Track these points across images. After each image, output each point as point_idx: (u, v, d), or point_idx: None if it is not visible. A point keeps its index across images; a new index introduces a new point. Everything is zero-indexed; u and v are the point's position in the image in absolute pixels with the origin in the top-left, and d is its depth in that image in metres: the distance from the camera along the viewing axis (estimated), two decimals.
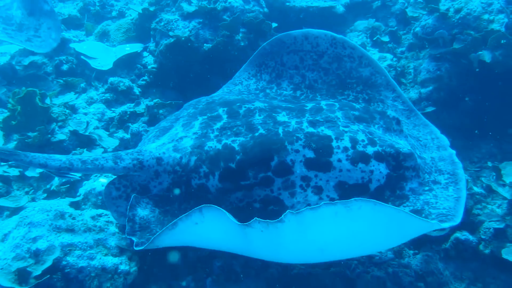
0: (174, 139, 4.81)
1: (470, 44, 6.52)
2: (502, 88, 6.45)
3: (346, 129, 4.45)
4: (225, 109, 4.97)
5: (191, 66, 7.83)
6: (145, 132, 6.71)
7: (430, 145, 4.77)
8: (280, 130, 4.48)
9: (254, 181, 4.29)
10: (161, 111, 7.42)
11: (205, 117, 4.93)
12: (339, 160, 4.24)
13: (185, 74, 7.96)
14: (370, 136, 4.41)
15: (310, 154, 4.29)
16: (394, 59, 8.35)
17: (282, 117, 4.70)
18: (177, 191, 4.58)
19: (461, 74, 6.78)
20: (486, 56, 6.32)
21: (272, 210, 4.21)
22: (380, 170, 4.23)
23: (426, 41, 7.39)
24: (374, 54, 8.67)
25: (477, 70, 6.48)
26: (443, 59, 7.01)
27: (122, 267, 4.67)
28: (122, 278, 4.65)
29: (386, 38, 9.04)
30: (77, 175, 5.30)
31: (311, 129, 4.46)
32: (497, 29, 6.42)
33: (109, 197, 4.70)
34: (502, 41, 6.22)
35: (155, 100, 7.47)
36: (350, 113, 4.65)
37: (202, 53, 7.70)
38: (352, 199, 3.17)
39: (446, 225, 3.70)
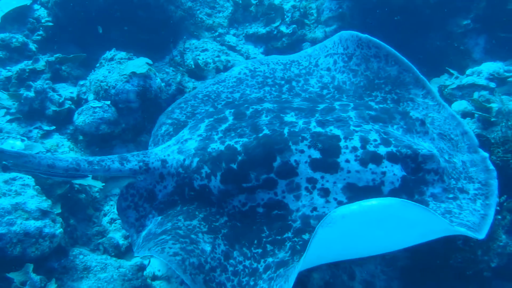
0: (180, 141, 4.73)
1: None
2: (400, 22, 6.82)
3: (357, 129, 4.19)
4: (232, 110, 4.80)
5: (91, 18, 7.35)
6: (50, 90, 6.32)
7: (461, 144, 4.36)
8: (286, 131, 4.28)
9: (256, 183, 4.10)
10: (64, 67, 6.98)
11: (212, 119, 4.78)
12: (347, 161, 3.98)
13: (85, 27, 7.46)
14: (385, 136, 4.11)
15: (316, 154, 4.06)
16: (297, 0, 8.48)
17: (290, 117, 4.48)
18: (180, 194, 4.46)
19: (362, 11, 7.04)
20: None
21: (276, 215, 4.00)
22: (394, 172, 3.93)
23: None
24: None
25: (376, 4, 6.74)
26: None
27: (47, 230, 4.48)
28: (47, 241, 4.47)
29: None
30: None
31: (319, 129, 4.23)
32: None
33: (120, 209, 4.67)
34: None
35: (56, 55, 6.97)
36: (365, 112, 4.39)
37: (102, 2, 7.25)
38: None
39: (471, 234, 3.40)
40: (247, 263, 3.77)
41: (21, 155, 4.40)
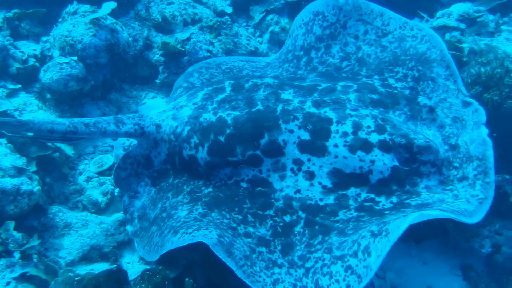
0: (176, 107, 4.61)
1: None
2: None
3: (353, 113, 4.03)
4: (232, 82, 4.65)
5: None
6: (11, 46, 5.99)
7: (470, 123, 4.10)
8: (279, 108, 4.15)
9: (241, 158, 4.04)
10: (23, 24, 6.62)
11: (210, 88, 4.65)
12: (336, 146, 3.87)
13: None
14: (381, 123, 3.96)
15: (305, 136, 3.96)
16: None
17: (287, 95, 4.33)
18: (172, 163, 4.42)
19: None
20: None
21: (260, 191, 3.96)
22: (384, 161, 3.80)
23: None
24: None
25: None
26: None
27: (24, 187, 4.35)
28: (26, 198, 4.35)
29: None
30: None
31: (313, 110, 4.09)
32: None
33: (119, 180, 4.70)
34: None
35: (14, 11, 6.57)
36: (366, 96, 4.20)
37: None
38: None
39: (454, 217, 3.28)
40: (225, 221, 3.75)
41: (22, 123, 4.30)
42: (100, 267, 4.44)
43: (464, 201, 3.54)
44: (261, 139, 4.03)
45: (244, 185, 4.04)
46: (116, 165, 4.80)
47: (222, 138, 4.13)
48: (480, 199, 3.52)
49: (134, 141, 4.98)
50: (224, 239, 3.44)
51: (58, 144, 5.32)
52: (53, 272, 4.21)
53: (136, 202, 4.55)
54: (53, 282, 4.05)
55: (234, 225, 3.72)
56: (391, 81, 4.48)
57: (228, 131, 4.13)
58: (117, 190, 5.27)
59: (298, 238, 3.60)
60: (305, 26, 5.12)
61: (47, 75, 5.68)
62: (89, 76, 5.98)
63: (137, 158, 4.70)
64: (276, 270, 3.39)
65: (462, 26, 6.05)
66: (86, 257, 4.52)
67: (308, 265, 3.39)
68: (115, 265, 4.35)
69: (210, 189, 4.12)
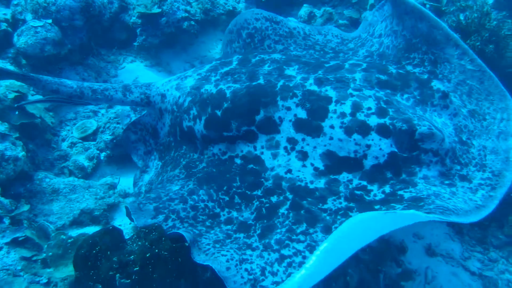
0: (181, 77, 4.53)
1: None
2: None
3: (355, 93, 3.79)
4: (240, 57, 4.50)
5: None
6: None
7: (493, 128, 3.77)
8: (280, 84, 3.99)
9: (236, 134, 3.94)
10: None
11: (219, 62, 4.53)
12: (332, 127, 3.67)
13: None
14: (384, 106, 3.69)
15: (302, 114, 3.79)
16: None
17: (291, 71, 4.17)
18: (174, 135, 4.41)
19: None
20: None
21: (251, 169, 3.83)
22: (380, 146, 3.56)
23: None
24: None
25: None
26: None
27: (9, 153, 4.26)
28: (11, 164, 4.27)
29: None
30: None
31: (314, 88, 3.89)
32: None
33: (128, 141, 4.79)
34: None
35: None
36: (374, 76, 3.95)
37: None
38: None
39: (445, 218, 2.99)
40: (210, 204, 3.70)
41: (27, 77, 4.32)
42: (92, 230, 4.41)
43: (460, 200, 3.29)
44: (257, 115, 3.90)
45: (238, 161, 3.93)
46: (126, 127, 4.89)
47: (219, 113, 4.04)
48: (478, 205, 3.25)
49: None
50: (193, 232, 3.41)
51: (39, 112, 5.19)
52: (45, 236, 4.18)
53: (145, 176, 4.58)
54: (46, 245, 4.04)
55: (218, 210, 3.66)
56: (409, 68, 4.25)
57: (225, 105, 4.03)
58: (102, 154, 5.21)
59: (280, 220, 3.46)
60: (341, 40, 5.15)
61: (22, 40, 5.48)
62: (66, 39, 5.81)
63: (146, 126, 4.77)
64: (248, 252, 3.24)
65: None
66: (77, 221, 4.50)
67: (285, 252, 3.21)
68: (110, 225, 4.33)
69: (204, 164, 4.07)
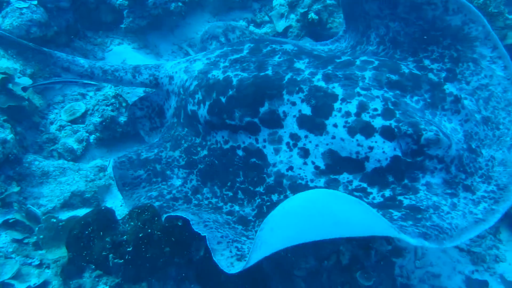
0: (190, 60, 4.51)
1: None
2: None
3: (362, 92, 3.65)
4: (252, 45, 4.40)
5: None
6: None
7: (505, 139, 3.62)
8: (287, 77, 3.88)
9: (239, 123, 3.86)
10: None
11: (230, 48, 4.45)
12: (335, 125, 3.56)
13: None
14: (391, 107, 3.55)
15: (307, 110, 3.68)
16: None
17: (300, 64, 4.05)
18: (178, 117, 4.41)
19: None
20: None
21: (254, 163, 3.78)
22: (383, 149, 3.43)
23: None
24: None
25: None
26: None
27: None
28: (0, 147, 4.20)
29: None
30: None
31: (321, 83, 3.77)
32: None
33: (133, 117, 4.84)
34: None
35: None
36: (384, 75, 3.77)
37: None
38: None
39: (418, 242, 2.80)
40: (213, 200, 3.72)
41: (40, 51, 4.43)
42: (83, 212, 4.40)
43: (460, 214, 3.16)
44: (261, 107, 3.81)
45: (240, 153, 3.87)
46: (132, 103, 4.97)
47: (223, 99, 3.96)
48: (477, 219, 3.11)
49: None
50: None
51: (27, 94, 5.12)
52: (35, 219, 4.16)
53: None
54: (36, 228, 4.02)
55: (221, 204, 3.68)
56: (427, 62, 4.06)
57: (230, 92, 3.96)
58: (92, 137, 5.17)
59: None
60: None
61: (7, 21, 5.37)
62: (51, 21, 5.72)
63: (153, 104, 4.81)
64: (243, 238, 3.27)
65: None
66: (68, 204, 4.48)
67: None
68: (102, 206, 4.33)
69: (205, 152, 4.03)
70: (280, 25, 6.27)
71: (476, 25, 3.95)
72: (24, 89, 4.90)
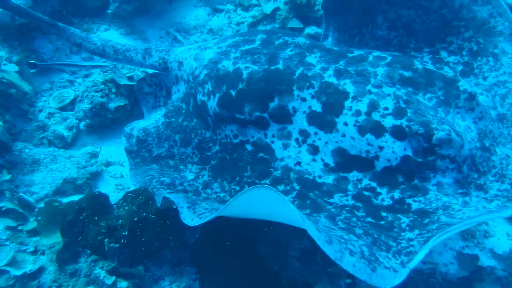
0: (201, 47, 4.47)
1: None
2: None
3: (374, 90, 3.58)
4: (264, 36, 4.32)
5: None
6: None
7: None
8: (298, 72, 3.82)
9: (249, 118, 3.85)
10: None
11: (242, 38, 4.38)
12: (345, 124, 3.53)
13: None
14: (403, 106, 3.48)
15: (317, 107, 3.65)
16: None
17: (312, 58, 3.96)
18: (187, 104, 4.39)
19: None
20: None
21: (261, 158, 3.79)
22: (393, 149, 3.39)
23: None
24: None
25: None
26: None
27: None
28: None
29: None
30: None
31: (332, 80, 3.71)
32: None
33: (141, 91, 4.88)
34: None
35: None
36: (397, 72, 3.67)
37: None
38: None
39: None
40: (221, 195, 3.76)
41: (54, 25, 4.54)
42: (76, 199, 4.39)
43: (472, 209, 3.14)
44: (271, 102, 3.80)
45: (249, 147, 3.89)
46: (141, 77, 5.01)
47: (233, 93, 3.94)
48: (490, 211, 3.09)
49: None
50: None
51: (15, 80, 5.05)
52: (28, 206, 4.14)
53: (141, 122, 4.56)
54: (36, 209, 4.02)
55: (228, 198, 3.69)
56: (443, 54, 3.99)
57: (240, 86, 3.93)
58: (82, 123, 5.13)
59: None
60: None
61: None
62: (36, 7, 5.61)
63: (161, 84, 4.82)
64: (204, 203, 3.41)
65: None
66: (60, 191, 4.47)
67: None
68: (96, 191, 4.31)
69: (217, 147, 4.06)
70: (268, 7, 6.21)
71: (503, 19, 3.87)
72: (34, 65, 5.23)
